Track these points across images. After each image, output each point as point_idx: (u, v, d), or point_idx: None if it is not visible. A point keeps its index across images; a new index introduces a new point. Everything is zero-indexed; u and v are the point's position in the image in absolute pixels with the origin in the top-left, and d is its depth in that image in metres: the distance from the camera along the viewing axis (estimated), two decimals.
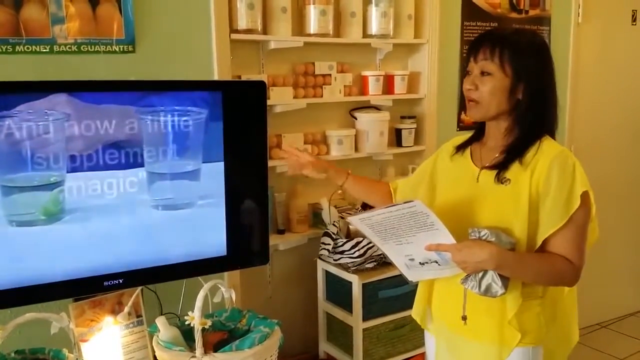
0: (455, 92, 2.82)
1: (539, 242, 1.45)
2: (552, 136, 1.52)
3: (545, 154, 1.45)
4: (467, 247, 1.39)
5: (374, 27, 2.45)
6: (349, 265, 2.19)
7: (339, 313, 2.29)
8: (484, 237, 1.40)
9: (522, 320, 1.48)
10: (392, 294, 2.24)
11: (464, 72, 2.76)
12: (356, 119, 2.52)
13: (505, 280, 1.40)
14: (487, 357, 1.52)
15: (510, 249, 1.41)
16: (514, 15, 2.93)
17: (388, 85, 2.59)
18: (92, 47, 1.88)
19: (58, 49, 1.83)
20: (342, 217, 2.35)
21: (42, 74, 1.80)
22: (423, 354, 2.38)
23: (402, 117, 2.66)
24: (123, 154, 1.68)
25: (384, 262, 2.23)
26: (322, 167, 1.83)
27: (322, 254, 2.28)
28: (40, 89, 1.60)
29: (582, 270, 1.46)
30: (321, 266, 2.34)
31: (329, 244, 2.23)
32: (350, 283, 2.19)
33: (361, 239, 2.19)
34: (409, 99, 2.67)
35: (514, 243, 1.42)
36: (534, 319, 1.50)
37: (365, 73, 2.52)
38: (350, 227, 2.30)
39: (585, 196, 1.43)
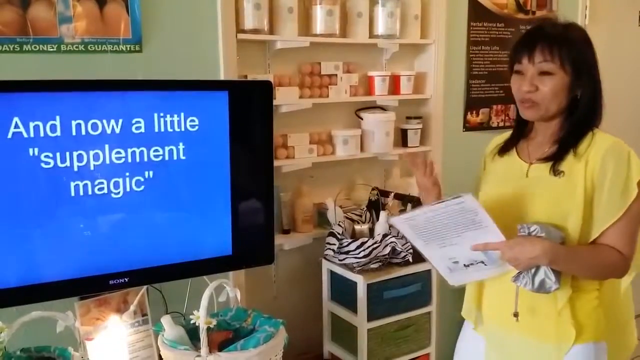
0: (461, 93, 2.82)
1: (595, 235, 1.42)
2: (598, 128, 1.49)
3: (598, 144, 1.42)
4: (518, 244, 1.36)
5: (380, 28, 2.44)
6: (354, 265, 2.19)
7: (343, 313, 2.29)
8: (534, 233, 1.37)
9: (577, 314, 1.44)
10: (397, 295, 2.24)
11: (470, 73, 2.80)
12: (362, 119, 2.51)
13: (557, 275, 1.37)
14: (544, 356, 1.48)
15: (560, 243, 1.39)
16: (520, 16, 2.92)
17: (394, 85, 2.58)
18: (99, 46, 1.88)
19: (65, 48, 1.83)
20: (347, 217, 2.35)
21: (49, 73, 1.80)
22: (427, 355, 2.38)
23: (408, 118, 2.66)
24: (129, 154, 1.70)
25: (389, 262, 2.23)
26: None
27: (327, 254, 2.28)
28: (47, 88, 1.60)
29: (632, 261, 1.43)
30: (326, 266, 2.34)
31: (334, 244, 2.23)
32: (355, 283, 2.18)
33: (366, 239, 2.18)
34: (415, 100, 2.67)
35: (563, 237, 1.40)
36: (591, 313, 1.46)
37: (371, 73, 2.52)
38: (356, 227, 2.30)
39: None
